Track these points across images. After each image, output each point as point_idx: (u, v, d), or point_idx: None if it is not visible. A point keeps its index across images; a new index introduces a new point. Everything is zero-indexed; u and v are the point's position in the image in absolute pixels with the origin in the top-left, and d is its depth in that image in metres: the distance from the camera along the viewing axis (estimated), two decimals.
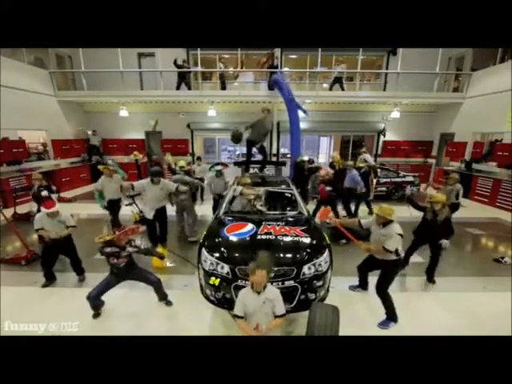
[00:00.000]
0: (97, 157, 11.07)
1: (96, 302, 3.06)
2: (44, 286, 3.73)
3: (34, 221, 3.54)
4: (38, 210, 5.07)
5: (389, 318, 3.06)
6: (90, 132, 11.09)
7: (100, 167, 5.34)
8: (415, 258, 4.21)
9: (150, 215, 4.55)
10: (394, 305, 3.05)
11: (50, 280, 3.79)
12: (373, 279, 3.43)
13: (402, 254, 3.04)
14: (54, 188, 5.91)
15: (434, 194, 3.74)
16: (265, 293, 2.32)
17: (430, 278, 3.95)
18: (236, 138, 6.25)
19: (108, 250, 2.88)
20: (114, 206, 5.42)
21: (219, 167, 5.63)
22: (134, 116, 10.98)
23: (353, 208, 6.32)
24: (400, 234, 2.88)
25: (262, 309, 2.32)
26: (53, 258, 3.74)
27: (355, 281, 3.73)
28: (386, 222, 2.94)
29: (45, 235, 3.48)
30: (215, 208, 5.68)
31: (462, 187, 5.11)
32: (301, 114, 7.98)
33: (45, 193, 5.05)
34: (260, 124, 5.86)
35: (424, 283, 3.95)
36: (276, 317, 2.35)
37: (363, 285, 3.66)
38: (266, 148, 7.69)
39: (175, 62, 9.67)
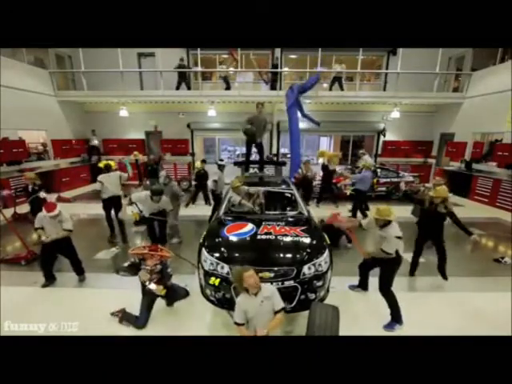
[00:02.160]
0: (96, 157, 11.06)
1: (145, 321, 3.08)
2: (44, 286, 3.73)
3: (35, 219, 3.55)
4: (33, 213, 5.01)
5: (394, 320, 3.05)
6: (93, 138, 11.05)
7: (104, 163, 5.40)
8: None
9: (147, 213, 4.56)
10: (399, 305, 3.04)
11: (49, 280, 3.78)
12: (373, 280, 3.44)
13: (402, 254, 3.02)
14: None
15: (437, 188, 3.69)
16: (261, 292, 2.33)
17: (443, 275, 3.89)
18: (250, 135, 5.96)
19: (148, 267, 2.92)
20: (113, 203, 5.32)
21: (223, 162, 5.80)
22: (134, 116, 10.98)
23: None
24: (398, 237, 2.86)
25: (261, 309, 2.33)
26: (51, 258, 3.74)
27: (355, 281, 3.73)
28: (384, 224, 2.94)
29: (41, 236, 3.49)
30: (215, 200, 5.71)
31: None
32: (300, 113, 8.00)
33: (43, 194, 4.96)
34: (257, 119, 5.81)
35: (426, 283, 3.95)
36: (276, 313, 2.36)
37: (363, 285, 3.65)
38: (265, 148, 7.69)
39: (182, 61, 9.68)
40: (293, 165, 7.61)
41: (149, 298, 3.08)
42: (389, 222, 2.92)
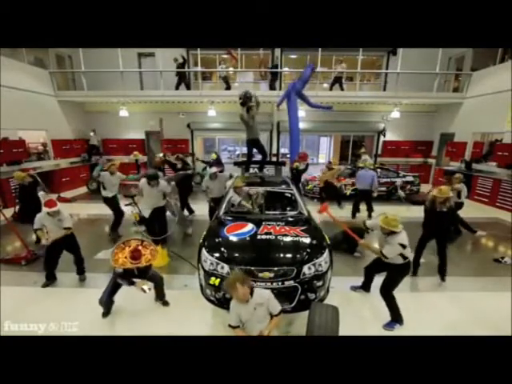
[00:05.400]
0: (97, 156, 11.07)
1: (108, 304, 3.13)
2: (44, 285, 3.73)
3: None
4: (24, 211, 4.99)
5: (394, 320, 3.05)
6: (91, 134, 11.10)
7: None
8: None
9: (146, 213, 4.57)
10: (398, 306, 3.04)
11: (50, 280, 3.79)
12: (375, 281, 3.44)
13: (410, 257, 3.00)
14: (43, 188, 5.79)
15: (442, 188, 3.73)
16: (253, 299, 2.28)
17: (443, 277, 3.95)
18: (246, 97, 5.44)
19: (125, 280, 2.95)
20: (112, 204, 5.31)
21: (213, 169, 5.43)
22: (134, 116, 10.98)
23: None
24: (401, 245, 2.79)
25: (255, 315, 2.31)
26: (56, 257, 3.74)
27: (356, 281, 3.73)
28: (390, 232, 2.86)
29: (41, 236, 3.49)
30: (211, 214, 5.20)
31: (465, 187, 5.22)
32: (301, 113, 8.02)
33: (41, 193, 4.99)
34: (251, 120, 5.71)
35: (426, 283, 3.95)
36: (273, 316, 2.34)
37: (366, 286, 3.64)
38: (266, 148, 7.70)
39: (176, 61, 9.69)
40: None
41: (116, 284, 3.09)
42: (394, 232, 2.84)
